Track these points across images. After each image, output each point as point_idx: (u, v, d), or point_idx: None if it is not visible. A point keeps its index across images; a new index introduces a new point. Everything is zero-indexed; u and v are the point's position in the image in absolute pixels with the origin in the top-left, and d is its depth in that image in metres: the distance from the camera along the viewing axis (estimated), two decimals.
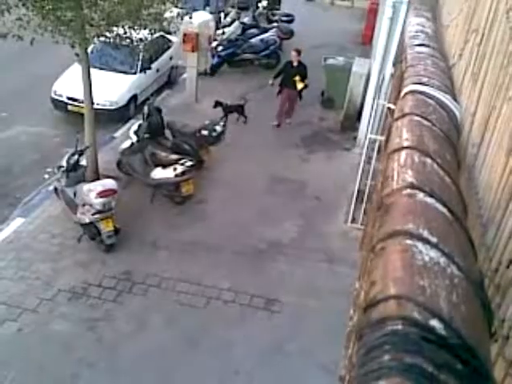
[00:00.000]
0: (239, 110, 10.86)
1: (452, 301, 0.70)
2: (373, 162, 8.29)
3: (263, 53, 14.54)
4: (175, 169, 8.26)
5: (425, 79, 1.61)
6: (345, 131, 11.41)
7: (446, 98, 1.51)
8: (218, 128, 9.34)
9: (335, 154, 10.65)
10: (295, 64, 10.87)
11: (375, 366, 0.61)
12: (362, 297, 2.15)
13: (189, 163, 8.36)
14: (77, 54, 7.87)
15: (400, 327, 0.65)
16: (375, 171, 8.05)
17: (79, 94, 9.09)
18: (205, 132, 9.24)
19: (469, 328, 0.66)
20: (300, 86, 10.82)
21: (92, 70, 8.21)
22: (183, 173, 8.28)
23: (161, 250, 7.65)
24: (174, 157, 8.60)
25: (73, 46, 7.60)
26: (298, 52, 10.91)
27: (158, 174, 8.38)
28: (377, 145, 8.12)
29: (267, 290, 7.00)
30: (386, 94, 9.34)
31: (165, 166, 8.41)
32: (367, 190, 8.01)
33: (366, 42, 16.44)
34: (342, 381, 2.44)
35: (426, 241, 0.79)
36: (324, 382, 5.62)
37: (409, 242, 0.78)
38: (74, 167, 7.84)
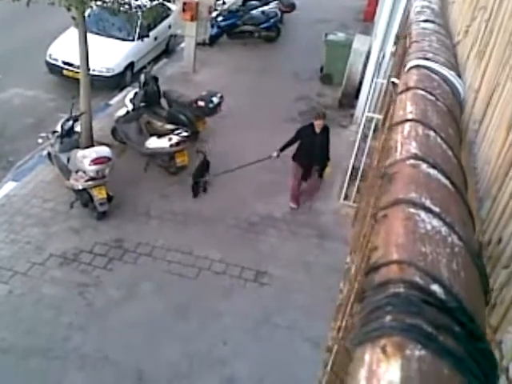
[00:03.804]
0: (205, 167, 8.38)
1: (452, 268, 0.73)
2: (368, 140, 8.29)
3: (263, 25, 14.35)
4: (170, 139, 8.21)
5: (430, 55, 1.61)
6: (342, 108, 11.37)
7: (450, 74, 1.52)
8: (215, 99, 9.25)
9: (331, 131, 10.58)
10: (318, 130, 7.70)
11: (377, 325, 0.64)
12: (358, 266, 2.20)
13: (184, 134, 8.31)
14: (73, 18, 7.72)
15: (402, 290, 0.67)
16: (370, 149, 8.07)
17: (75, 59, 8.96)
18: (201, 103, 9.15)
19: (467, 294, 0.69)
20: (329, 171, 8.09)
21: (89, 35, 8.06)
22: (178, 143, 8.23)
23: (153, 219, 7.67)
24: (170, 127, 8.54)
25: (69, 9, 7.44)
26: (324, 116, 7.75)
27: (153, 143, 8.33)
28: (373, 123, 8.11)
29: (258, 263, 7.06)
30: (385, 73, 9.30)
31: (160, 135, 8.35)
32: (361, 168, 8.03)
33: (367, 18, 16.24)
34: (329, 351, 2.50)
35: (428, 210, 0.82)
36: (309, 355, 5.73)
37: (412, 210, 0.81)
38: (68, 133, 7.79)
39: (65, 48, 10.53)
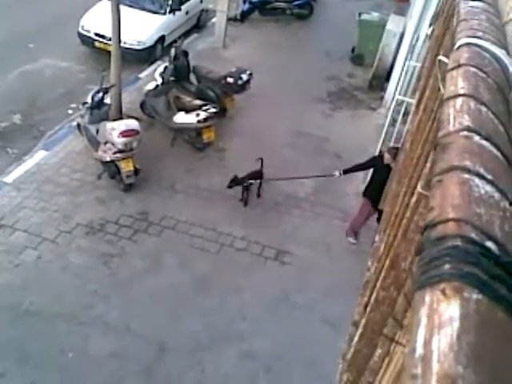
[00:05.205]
0: (257, 175, 7.67)
1: (504, 229, 0.80)
2: (397, 124, 8.17)
3: (296, 2, 14.16)
4: (198, 114, 8.24)
5: (479, 33, 1.62)
6: (372, 90, 11.21)
7: (500, 53, 1.53)
8: (244, 76, 9.22)
9: (360, 113, 10.51)
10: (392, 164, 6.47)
11: (436, 272, 0.71)
12: (391, 241, 2.23)
13: (212, 110, 8.33)
14: None
15: (460, 243, 0.74)
16: (399, 134, 7.95)
17: (107, 31, 9.01)
18: (230, 79, 9.14)
19: None
20: None
21: (121, 7, 8.08)
22: (205, 119, 8.25)
23: (178, 193, 7.76)
24: (198, 102, 8.57)
25: None
26: (396, 150, 6.29)
27: (181, 118, 8.37)
28: (403, 107, 7.98)
29: (279, 242, 7.11)
30: (418, 55, 9.09)
31: (188, 110, 8.39)
32: None
33: None
34: (355, 325, 2.56)
35: (482, 177, 0.89)
36: (326, 335, 5.79)
37: (466, 176, 0.88)
38: (98, 105, 7.89)
39: (97, 20, 10.59)
